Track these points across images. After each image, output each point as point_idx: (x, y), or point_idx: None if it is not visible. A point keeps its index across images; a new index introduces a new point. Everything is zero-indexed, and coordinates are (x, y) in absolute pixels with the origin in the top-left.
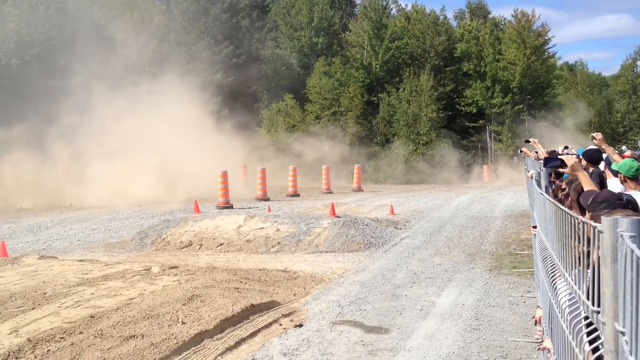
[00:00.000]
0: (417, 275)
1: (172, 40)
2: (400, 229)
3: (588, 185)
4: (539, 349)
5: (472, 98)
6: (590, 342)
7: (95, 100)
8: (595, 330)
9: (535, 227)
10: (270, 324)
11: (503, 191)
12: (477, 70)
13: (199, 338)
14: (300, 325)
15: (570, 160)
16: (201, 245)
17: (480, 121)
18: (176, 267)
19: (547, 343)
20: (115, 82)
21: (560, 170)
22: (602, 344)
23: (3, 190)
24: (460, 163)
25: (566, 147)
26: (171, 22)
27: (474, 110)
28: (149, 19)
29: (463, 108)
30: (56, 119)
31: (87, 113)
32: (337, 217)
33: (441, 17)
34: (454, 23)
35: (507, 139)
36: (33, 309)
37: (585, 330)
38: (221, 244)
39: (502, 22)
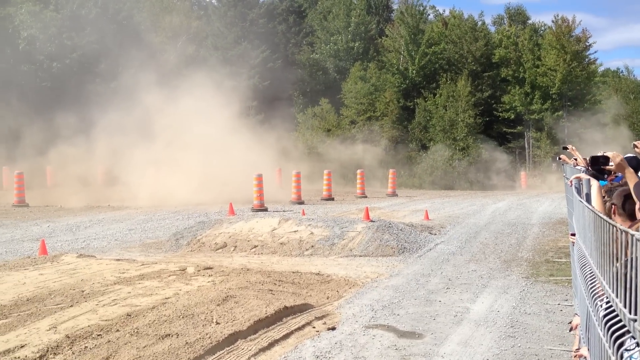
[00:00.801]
0: (452, 281)
1: (209, 44)
2: (435, 234)
3: (635, 180)
4: (574, 356)
5: (510, 104)
6: (627, 351)
7: (134, 103)
8: (632, 338)
9: (573, 234)
10: (303, 326)
11: (541, 198)
12: (516, 76)
13: (232, 338)
14: (333, 329)
15: (616, 157)
16: (235, 247)
17: (519, 127)
18: (211, 268)
19: (584, 351)
20: (153, 86)
21: (606, 168)
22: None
23: (44, 190)
24: (497, 169)
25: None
26: (209, 27)
27: (512, 116)
28: (187, 24)
29: (501, 114)
30: (96, 122)
31: (125, 116)
32: (372, 221)
33: (479, 23)
34: (492, 28)
35: (546, 145)
36: (71, 306)
37: (622, 339)
38: (255, 246)
39: (542, 28)
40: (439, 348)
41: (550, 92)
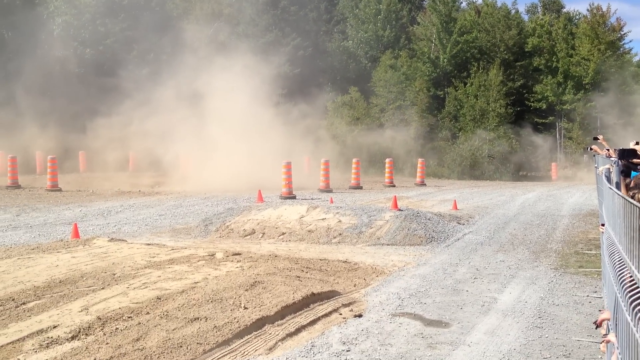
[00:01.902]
0: (480, 271)
1: (240, 32)
2: (463, 224)
3: None
4: (602, 342)
5: (542, 94)
6: None
7: (166, 91)
8: None
9: (603, 225)
10: (330, 312)
11: (572, 189)
12: (549, 66)
13: (260, 323)
14: (360, 316)
15: None
16: (264, 233)
17: (550, 118)
18: (239, 254)
19: (611, 337)
20: (185, 74)
21: (635, 160)
22: None
23: (77, 176)
24: (527, 160)
25: (637, 143)
26: (240, 15)
27: (544, 107)
28: (218, 11)
29: (532, 104)
30: (128, 109)
31: (158, 103)
32: (400, 210)
33: (512, 11)
34: (525, 17)
35: (578, 136)
36: (103, 288)
37: None
38: (283, 233)
39: (576, 17)
40: (466, 337)
41: (583, 82)
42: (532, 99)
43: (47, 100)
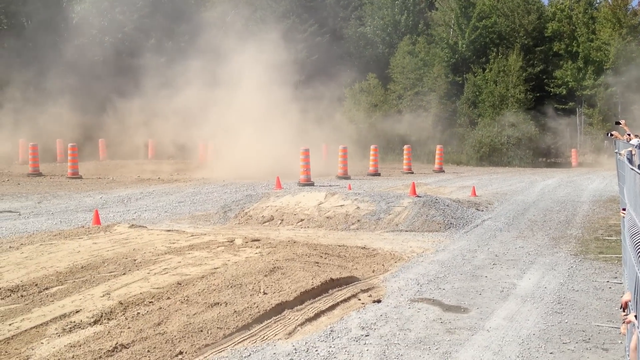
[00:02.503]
0: (498, 257)
1: (257, 18)
2: (482, 210)
3: None
4: (623, 322)
5: (562, 79)
6: None
7: (183, 79)
8: None
9: (624, 209)
10: (349, 298)
11: (592, 175)
12: (569, 51)
13: (279, 308)
14: (379, 301)
15: None
16: (282, 220)
17: (570, 103)
18: (258, 240)
19: (632, 317)
20: (202, 61)
21: None
22: None
23: (97, 164)
24: (547, 146)
25: None
26: (257, 1)
27: (564, 92)
28: None
29: (552, 89)
30: (146, 97)
31: (174, 91)
32: (418, 196)
33: None
34: (545, 1)
35: (598, 122)
36: (124, 274)
37: None
38: (302, 220)
39: (597, 1)
40: (485, 322)
41: (604, 67)
42: (552, 85)
43: (66, 89)
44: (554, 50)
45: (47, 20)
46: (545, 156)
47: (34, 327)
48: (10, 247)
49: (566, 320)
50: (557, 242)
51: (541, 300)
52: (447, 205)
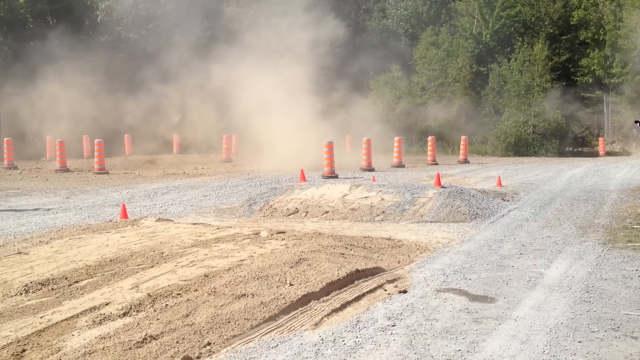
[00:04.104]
0: (525, 246)
1: (280, 13)
2: (508, 200)
3: None
4: None
5: (588, 68)
6: None
7: (206, 74)
8: None
9: None
10: (375, 289)
11: (620, 164)
12: (595, 39)
13: (306, 299)
14: (405, 292)
15: None
16: (307, 212)
17: (597, 92)
18: (283, 232)
19: None
20: (226, 57)
21: None
22: None
23: (123, 159)
24: (574, 135)
25: None
26: None
27: (591, 81)
28: None
29: (579, 78)
30: (171, 93)
31: (200, 85)
32: (443, 187)
33: None
34: None
35: (626, 110)
36: (152, 267)
37: None
38: (326, 212)
39: None
40: (512, 312)
41: (632, 55)
42: (578, 73)
43: (92, 86)
44: (580, 38)
45: (72, 18)
46: (572, 145)
47: (64, 319)
48: (40, 241)
49: (594, 309)
50: (585, 231)
51: (569, 289)
52: (473, 196)
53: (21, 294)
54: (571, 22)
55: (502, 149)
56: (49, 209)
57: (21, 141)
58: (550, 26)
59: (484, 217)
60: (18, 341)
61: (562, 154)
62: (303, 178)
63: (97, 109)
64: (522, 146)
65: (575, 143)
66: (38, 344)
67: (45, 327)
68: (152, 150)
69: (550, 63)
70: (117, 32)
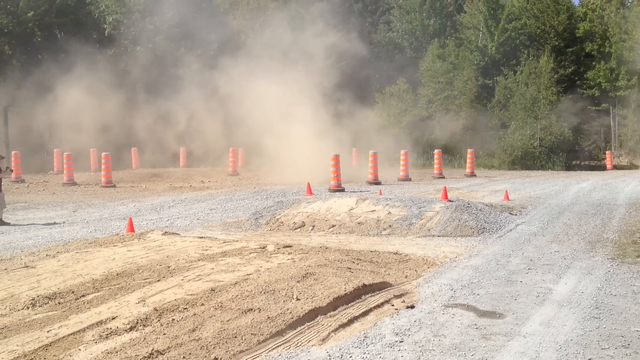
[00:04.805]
0: (533, 261)
1: (286, 26)
2: (516, 215)
3: None
4: None
5: (594, 80)
6: None
7: (213, 87)
8: None
9: None
10: (382, 304)
11: (627, 178)
12: (601, 51)
13: (312, 314)
14: (412, 307)
15: None
16: (314, 226)
17: (604, 105)
18: (290, 246)
19: None
20: (232, 69)
21: None
22: None
23: (129, 173)
24: (580, 148)
25: None
26: (285, 8)
27: (597, 94)
28: (264, 6)
29: (585, 91)
30: (177, 106)
31: (206, 98)
32: (450, 201)
33: None
34: (576, 1)
35: (633, 123)
36: (158, 280)
37: None
38: (333, 226)
39: (629, 0)
40: (521, 328)
41: (638, 67)
42: (584, 86)
43: (98, 98)
44: (586, 50)
45: (80, 32)
46: (579, 159)
47: (71, 333)
48: (47, 255)
49: (604, 326)
50: (594, 246)
51: (578, 305)
52: (480, 210)
53: (28, 307)
54: (577, 35)
55: (509, 162)
56: (55, 222)
57: (29, 154)
58: (555, 38)
59: (492, 232)
60: (25, 355)
61: (569, 167)
62: (309, 191)
63: (104, 122)
64: (528, 159)
65: (583, 156)
66: (45, 358)
67: (52, 342)
68: (159, 163)
69: (556, 76)
70: (124, 46)
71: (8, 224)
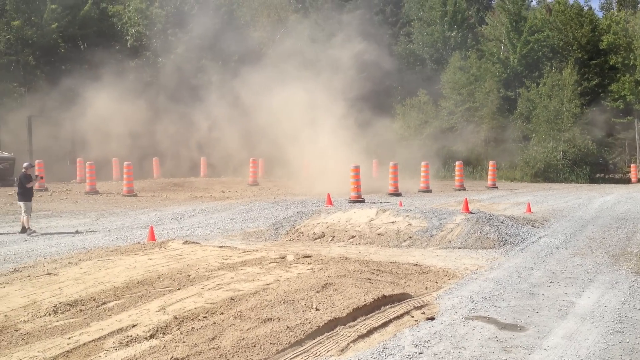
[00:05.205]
0: (556, 274)
1: (306, 37)
2: (538, 227)
3: None
4: None
5: (619, 93)
6: None
7: (234, 97)
8: None
9: None
10: (402, 315)
11: None
12: (625, 64)
13: (332, 324)
14: (432, 319)
15: None
16: (333, 237)
17: (628, 117)
18: (310, 257)
19: None
20: (252, 80)
21: None
22: None
23: (151, 182)
24: (605, 161)
25: None
26: (306, 20)
27: (621, 106)
28: (284, 17)
29: (609, 103)
30: (198, 116)
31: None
32: (471, 213)
33: (586, 8)
34: (599, 14)
35: None
36: (179, 289)
37: None
38: (353, 237)
39: None
40: (542, 341)
41: None
42: (608, 99)
43: (121, 109)
44: (610, 63)
45: (103, 43)
46: (603, 172)
47: (92, 340)
48: (69, 262)
49: (627, 340)
50: (617, 259)
51: (601, 319)
52: (502, 222)
53: (50, 314)
54: (600, 47)
55: (531, 174)
56: (78, 231)
57: (52, 163)
58: (579, 51)
59: (514, 244)
60: None
61: (592, 180)
62: (329, 202)
63: (126, 132)
64: (551, 172)
65: (607, 169)
66: None
67: (73, 348)
68: (180, 173)
69: (579, 88)
70: (146, 57)
71: (33, 232)
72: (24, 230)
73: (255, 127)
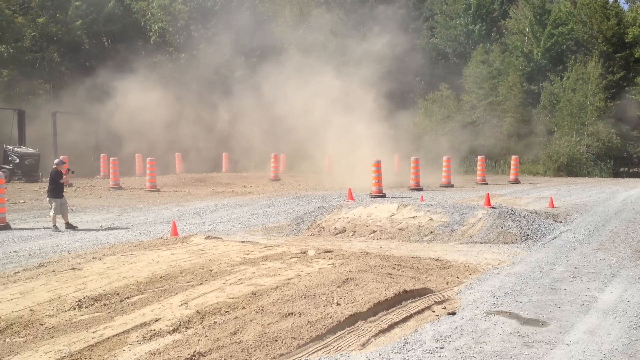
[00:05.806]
0: (578, 269)
1: (329, 32)
2: (561, 222)
3: None
4: None
5: None
6: None
7: (256, 93)
8: None
9: None
10: (423, 310)
11: None
12: None
13: (353, 319)
14: (453, 313)
15: None
16: (354, 231)
17: None
18: (331, 252)
19: None
20: (274, 75)
21: None
22: None
23: (172, 178)
24: (629, 155)
25: None
26: (328, 14)
27: None
28: (307, 12)
29: (634, 97)
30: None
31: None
32: (493, 208)
33: (611, 1)
34: (625, 6)
35: None
36: (201, 284)
37: None
38: (374, 232)
39: None
40: (564, 336)
41: None
42: (633, 92)
43: (144, 104)
44: (635, 56)
45: (126, 40)
46: (628, 166)
47: (116, 334)
48: (93, 257)
49: None
50: None
51: (624, 314)
52: (524, 217)
53: (74, 308)
54: (626, 40)
55: (554, 169)
56: (102, 226)
57: (76, 159)
58: (603, 44)
59: (536, 239)
60: (71, 355)
61: (616, 174)
62: (350, 197)
63: (150, 128)
64: (574, 166)
65: (631, 163)
66: (90, 358)
67: (97, 342)
68: (202, 168)
69: (604, 81)
70: (169, 53)
71: (76, 228)
72: (69, 225)
73: (278, 122)
